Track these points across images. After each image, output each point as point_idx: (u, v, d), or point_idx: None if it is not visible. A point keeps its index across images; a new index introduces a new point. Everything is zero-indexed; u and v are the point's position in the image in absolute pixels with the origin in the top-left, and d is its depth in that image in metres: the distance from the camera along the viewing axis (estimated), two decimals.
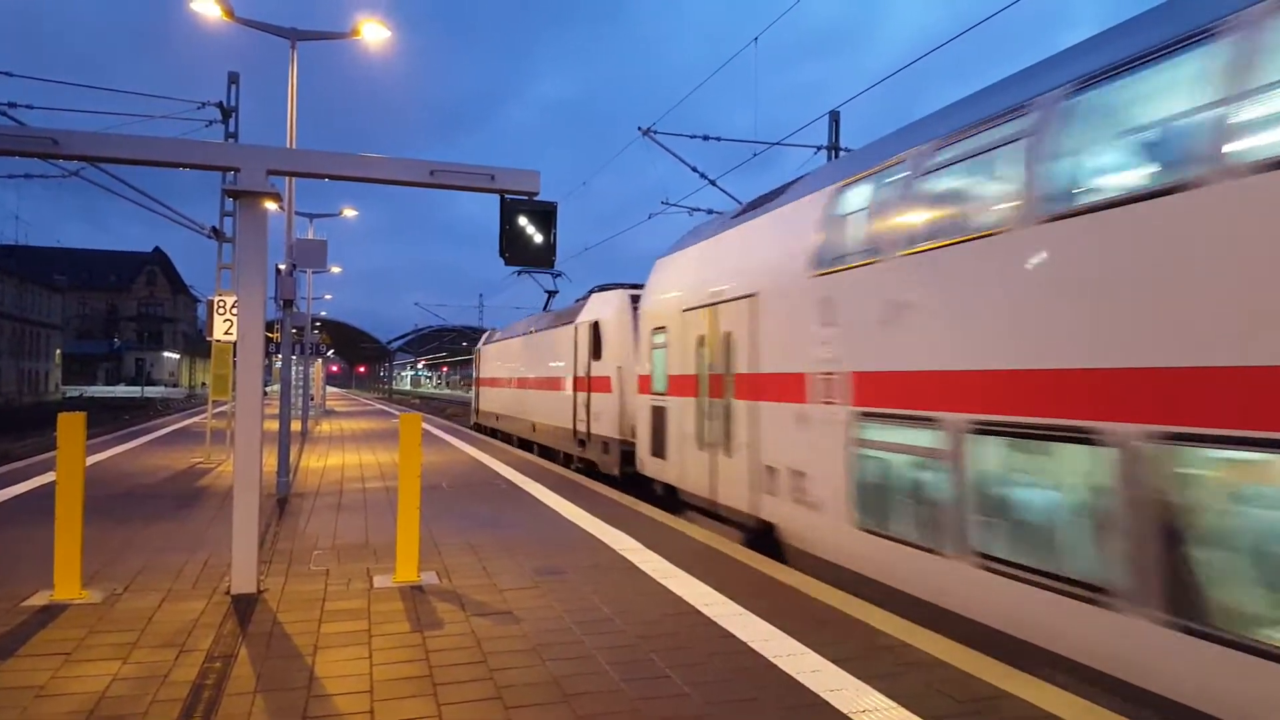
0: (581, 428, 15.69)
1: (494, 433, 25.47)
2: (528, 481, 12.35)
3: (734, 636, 5.03)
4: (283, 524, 8.63)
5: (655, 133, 16.83)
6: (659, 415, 11.04)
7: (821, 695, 4.11)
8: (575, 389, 16.28)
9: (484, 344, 29.54)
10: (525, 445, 21.03)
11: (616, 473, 13.57)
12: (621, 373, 13.75)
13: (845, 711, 3.91)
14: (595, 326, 15.12)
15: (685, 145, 18.02)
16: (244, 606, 5.56)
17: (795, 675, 4.38)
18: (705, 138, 17.85)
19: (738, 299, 8.68)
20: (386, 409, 42.69)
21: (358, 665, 4.47)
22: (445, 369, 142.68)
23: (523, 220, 6.24)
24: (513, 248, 6.21)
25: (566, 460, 16.97)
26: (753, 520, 8.32)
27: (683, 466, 10.22)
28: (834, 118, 18.89)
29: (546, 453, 18.88)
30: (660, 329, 10.95)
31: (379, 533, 8.14)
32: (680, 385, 10.24)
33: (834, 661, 4.58)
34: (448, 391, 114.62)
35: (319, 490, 11.20)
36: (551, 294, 24.34)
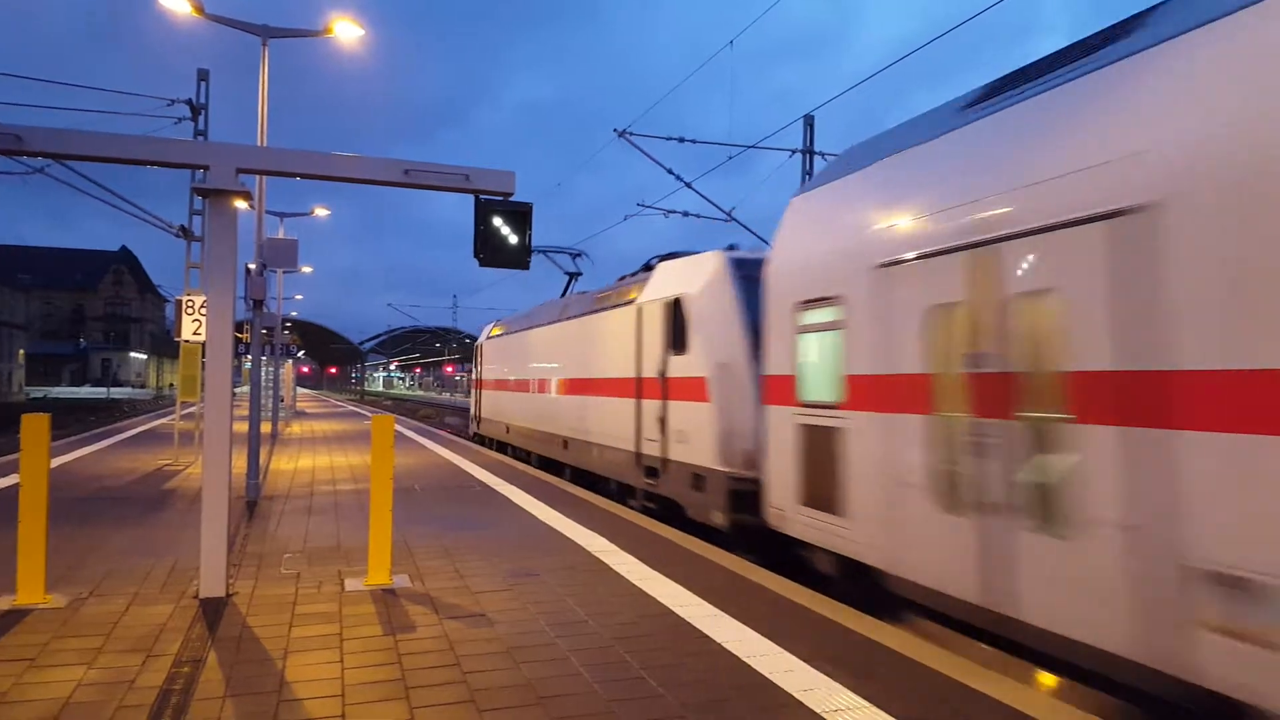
0: (652, 450, 10.69)
1: (504, 447, 20.06)
2: (501, 483, 12.30)
3: (708, 637, 5.05)
4: (252, 527, 8.52)
5: (631, 134, 16.85)
6: (821, 441, 6.77)
7: (794, 695, 4.13)
8: (640, 395, 11.16)
9: (487, 337, 23.12)
10: (549, 466, 15.79)
11: (722, 521, 8.81)
12: (726, 372, 9.15)
13: (818, 711, 3.94)
14: (675, 306, 10.25)
15: (661, 147, 17.96)
16: (213, 610, 5.48)
17: (769, 675, 4.40)
18: (681, 140, 17.92)
19: (1074, 224, 4.52)
20: (358, 410, 42.31)
21: (329, 669, 4.42)
22: (419, 370, 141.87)
23: (498, 221, 6.22)
24: (487, 248, 6.19)
25: (623, 495, 11.92)
26: (1181, 687, 3.90)
27: (893, 534, 5.85)
28: (809, 122, 19.03)
29: (585, 479, 13.61)
30: (820, 301, 6.86)
31: (350, 536, 8.06)
32: (880, 392, 6.05)
33: (807, 661, 4.61)
34: (421, 393, 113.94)
35: (289, 493, 11.08)
36: (573, 276, 18.92)
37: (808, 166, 19.05)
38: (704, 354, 9.55)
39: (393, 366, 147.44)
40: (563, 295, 18.28)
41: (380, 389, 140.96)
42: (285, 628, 5.14)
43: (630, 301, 11.84)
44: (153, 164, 5.85)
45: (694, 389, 9.69)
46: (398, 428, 25.64)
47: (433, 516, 9.28)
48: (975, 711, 3.96)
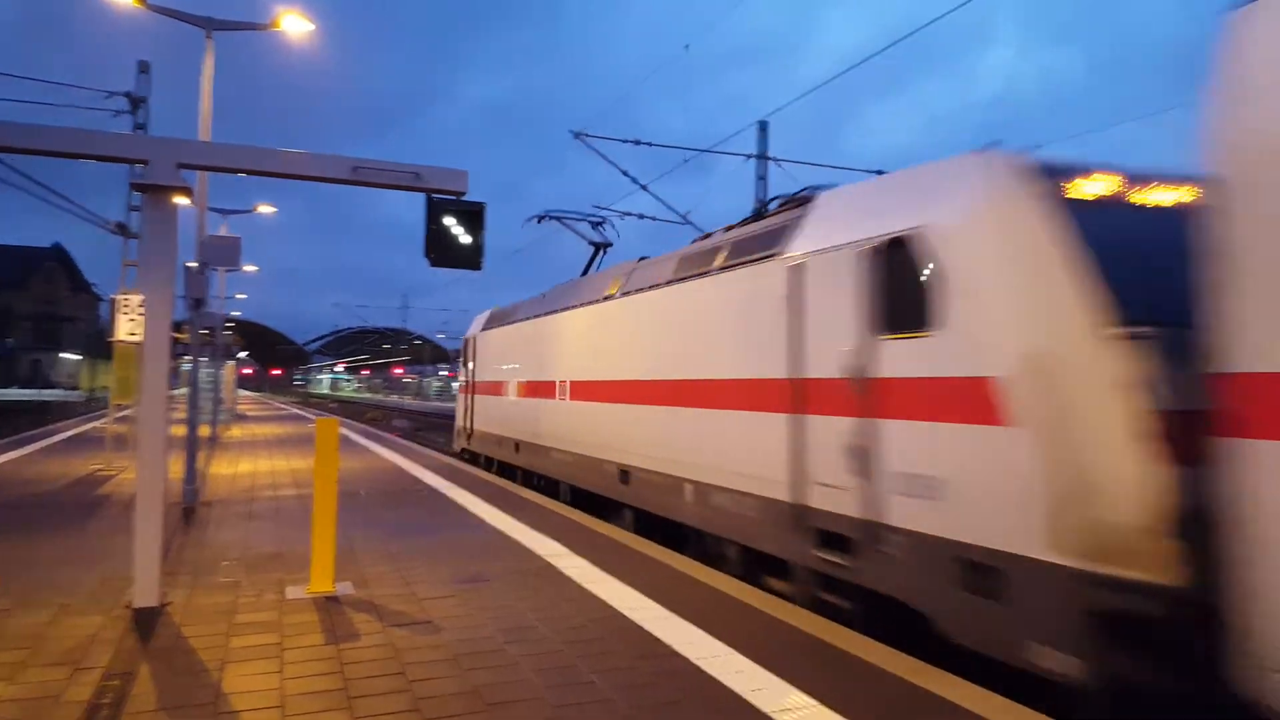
0: (835, 504, 6.18)
1: (508, 471, 15.11)
2: (451, 488, 12.14)
3: (659, 640, 5.02)
4: (189, 534, 8.26)
5: (587, 136, 16.81)
6: None
7: (744, 696, 4.13)
8: (801, 407, 6.66)
9: (483, 327, 17.74)
10: (592, 505, 10.90)
11: (1073, 671, 4.32)
12: (1051, 370, 4.68)
13: (767, 711, 3.94)
14: (896, 253, 5.79)
15: (617, 150, 17.95)
16: (146, 621, 5.28)
17: (719, 677, 4.39)
18: (636, 142, 17.93)
19: None
20: (302, 413, 41.44)
21: (268, 680, 4.29)
22: (368, 372, 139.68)
23: (449, 220, 6.12)
24: (438, 248, 6.09)
25: (753, 568, 7.38)
26: None
27: None
28: (763, 127, 19.24)
29: (668, 532, 8.92)
30: None
31: (292, 543, 7.86)
32: None
33: (757, 661, 4.62)
34: (369, 395, 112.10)
35: (229, 498, 10.77)
36: (601, 247, 14.94)
37: (762, 172, 19.23)
38: (988, 335, 5.00)
39: (339, 368, 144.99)
40: (584, 272, 14.54)
41: (326, 391, 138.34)
42: (223, 638, 4.97)
43: (769, 256, 7.21)
44: (89, 157, 5.64)
45: (960, 399, 5.06)
46: (343, 431, 25.17)
47: (379, 522, 9.10)
48: (925, 711, 4.00)
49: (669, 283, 9.28)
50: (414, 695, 4.11)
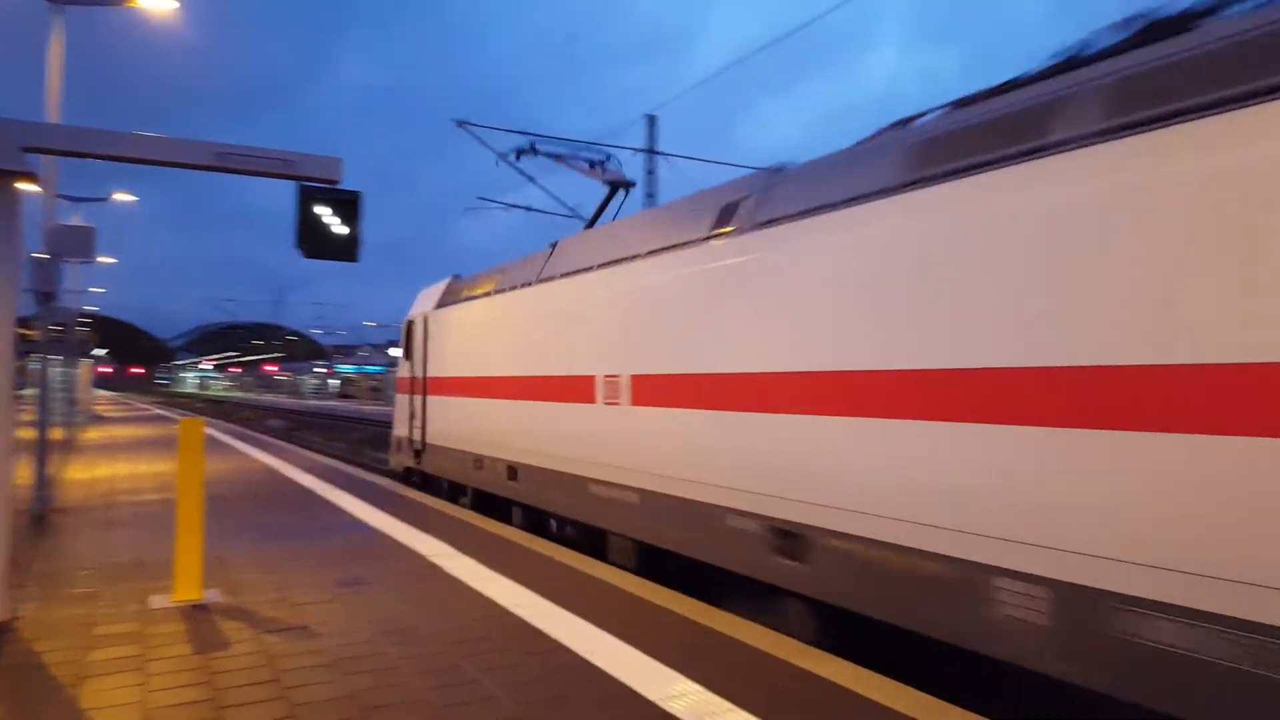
0: None
1: (492, 504, 10.81)
2: (329, 489, 11.73)
3: (546, 635, 5.03)
4: (41, 543, 7.68)
5: (471, 125, 16.50)
6: None
7: (630, 685, 4.20)
8: None
9: (441, 303, 12.97)
10: (677, 574, 6.88)
11: None
12: None
13: (653, 699, 4.02)
14: None
15: (504, 140, 17.60)
16: None
17: (605, 668, 4.45)
18: (522, 133, 17.69)
19: None
20: (166, 414, 39.08)
21: (130, 693, 4.06)
22: (240, 369, 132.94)
23: (322, 209, 5.90)
24: (310, 238, 5.85)
25: None
26: None
27: None
28: (651, 121, 19.44)
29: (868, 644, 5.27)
30: None
31: (156, 550, 7.42)
32: None
33: (644, 651, 4.70)
34: (241, 394, 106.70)
35: (85, 505, 10.07)
36: (621, 187, 11.52)
37: (650, 166, 19.43)
38: None
39: (207, 366, 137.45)
40: (592, 223, 11.33)
41: (194, 390, 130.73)
42: (80, 652, 4.66)
43: None
44: None
45: None
46: (212, 432, 23.97)
47: (250, 526, 8.71)
48: (811, 693, 4.17)
49: (888, 191, 4.94)
50: (289, 702, 3.97)
